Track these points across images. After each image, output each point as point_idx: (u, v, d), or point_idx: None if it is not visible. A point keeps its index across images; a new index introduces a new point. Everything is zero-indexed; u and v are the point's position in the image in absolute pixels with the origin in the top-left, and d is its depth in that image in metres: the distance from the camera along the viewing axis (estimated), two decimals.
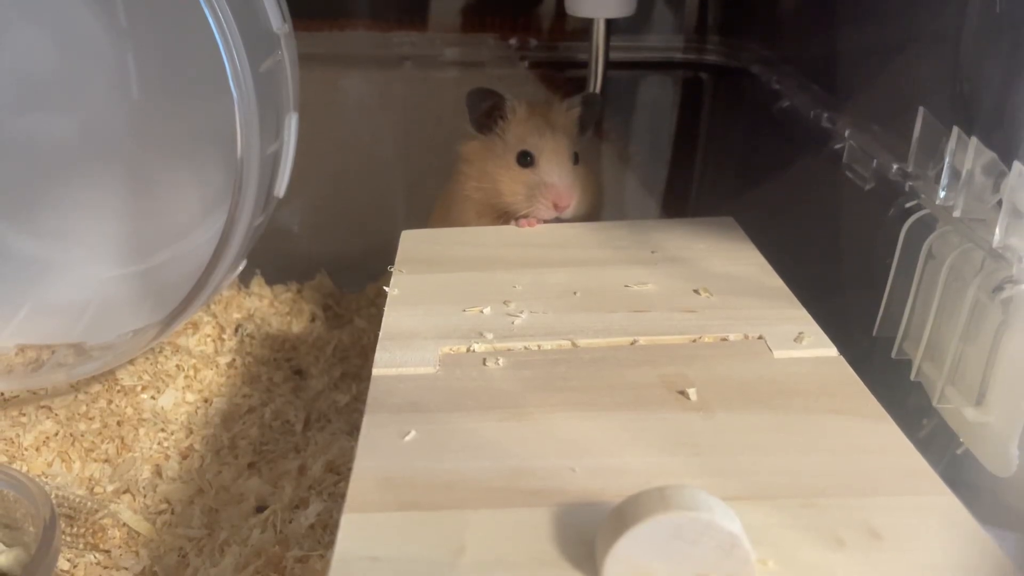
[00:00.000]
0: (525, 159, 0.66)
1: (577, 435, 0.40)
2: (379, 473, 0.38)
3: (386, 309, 0.52)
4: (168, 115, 0.73)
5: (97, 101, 0.73)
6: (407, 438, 0.40)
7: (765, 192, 0.77)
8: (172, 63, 0.72)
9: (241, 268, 0.67)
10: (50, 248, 0.75)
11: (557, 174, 0.65)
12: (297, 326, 0.85)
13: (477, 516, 0.35)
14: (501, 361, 0.46)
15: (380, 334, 0.49)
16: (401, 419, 0.42)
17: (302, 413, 0.71)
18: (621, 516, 0.32)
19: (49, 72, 0.72)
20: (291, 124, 0.63)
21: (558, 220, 0.66)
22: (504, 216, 0.67)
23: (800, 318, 0.50)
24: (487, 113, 0.68)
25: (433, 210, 0.76)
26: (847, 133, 0.61)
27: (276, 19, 0.61)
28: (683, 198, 0.92)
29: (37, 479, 0.61)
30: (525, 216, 0.66)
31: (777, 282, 0.55)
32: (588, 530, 0.34)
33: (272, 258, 0.87)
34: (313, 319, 0.86)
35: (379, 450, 0.39)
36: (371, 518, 0.35)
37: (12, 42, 0.71)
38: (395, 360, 0.47)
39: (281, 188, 0.65)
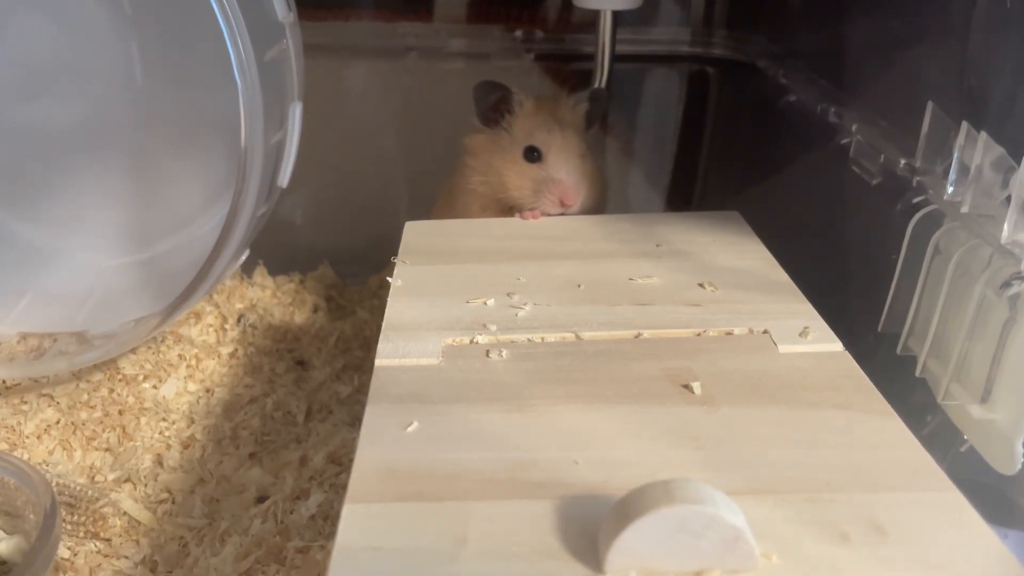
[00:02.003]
0: (532, 154, 0.66)
1: (580, 428, 0.40)
2: (381, 463, 0.38)
3: (389, 300, 0.52)
4: (172, 104, 0.73)
5: (101, 89, 0.73)
6: (409, 429, 0.40)
7: (771, 187, 0.77)
8: (177, 51, 0.72)
9: (244, 258, 0.67)
10: (53, 236, 0.75)
11: (565, 171, 0.65)
12: (299, 317, 0.85)
13: (479, 507, 0.35)
14: (504, 353, 0.46)
15: (383, 324, 0.49)
16: (403, 410, 0.41)
17: (304, 404, 0.71)
18: (625, 509, 0.32)
19: (53, 60, 0.72)
20: (295, 114, 0.63)
21: (563, 214, 0.66)
22: (508, 210, 0.67)
23: (805, 313, 0.50)
24: (494, 106, 0.67)
25: (435, 202, 0.76)
26: (854, 128, 0.60)
27: (281, 8, 0.60)
28: (688, 192, 0.92)
29: (38, 467, 0.61)
30: (531, 209, 0.66)
31: (782, 277, 0.55)
32: (591, 522, 0.34)
33: (275, 248, 0.87)
34: (315, 310, 0.86)
35: (381, 440, 0.39)
36: (373, 508, 0.35)
37: (16, 30, 0.71)
38: (398, 351, 0.46)
39: (284, 178, 0.65)
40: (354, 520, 0.34)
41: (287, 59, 0.61)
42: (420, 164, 0.91)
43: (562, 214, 0.65)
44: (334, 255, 0.92)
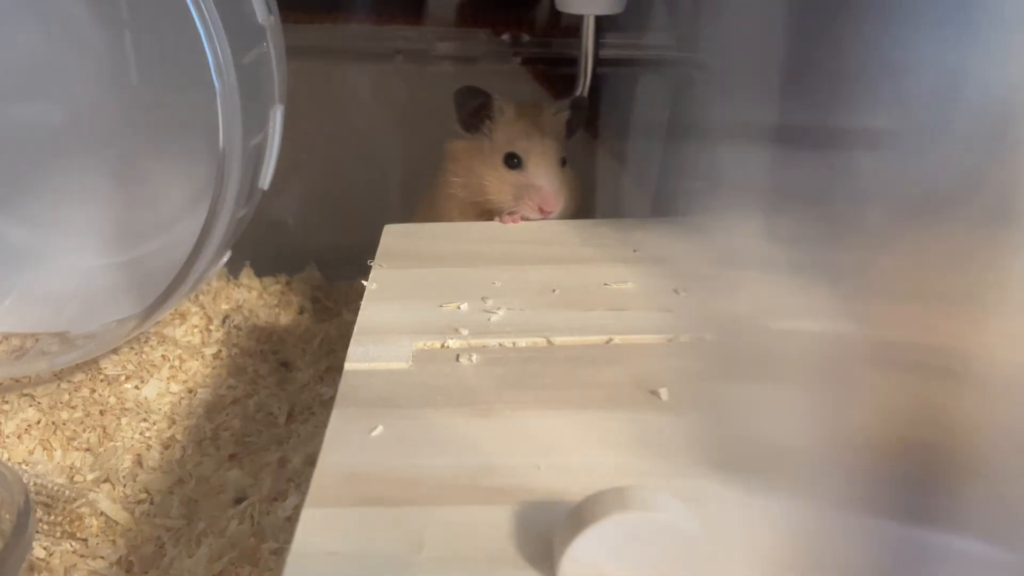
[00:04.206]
0: (512, 161, 0.66)
1: (545, 433, 0.40)
2: (343, 468, 0.38)
3: (363, 303, 0.52)
4: (156, 106, 0.73)
5: (86, 91, 0.73)
6: (374, 433, 0.40)
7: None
8: (160, 55, 0.72)
9: (225, 260, 0.67)
10: (36, 236, 0.75)
11: (544, 178, 0.65)
12: (285, 318, 0.85)
13: (438, 513, 0.35)
14: (475, 358, 0.46)
15: (355, 328, 0.49)
16: (370, 414, 0.41)
17: (285, 406, 0.71)
18: (579, 515, 0.32)
19: (37, 61, 0.72)
20: (276, 116, 0.63)
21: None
22: (487, 215, 0.67)
23: None
24: (474, 112, 0.68)
25: (417, 207, 0.76)
26: None
27: (261, 11, 0.61)
28: (675, 197, 0.92)
29: (15, 466, 0.61)
30: (511, 213, 0.66)
31: None
32: (548, 529, 0.34)
33: (262, 250, 0.87)
34: (301, 311, 0.86)
35: (345, 445, 0.39)
36: (331, 513, 0.35)
37: (4, 30, 0.71)
38: (368, 355, 0.46)
39: (266, 180, 0.65)
40: (312, 525, 0.34)
41: (267, 62, 0.61)
42: (408, 166, 0.91)
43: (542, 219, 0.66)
44: (321, 257, 0.92)
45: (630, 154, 0.92)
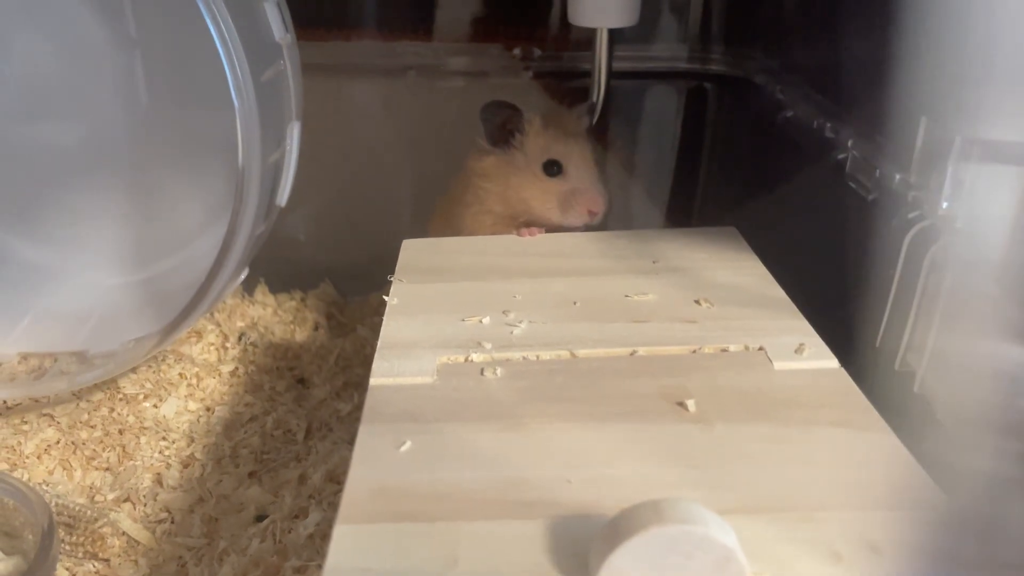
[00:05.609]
0: (552, 168, 0.66)
1: (574, 446, 0.40)
2: (373, 484, 0.38)
3: (385, 318, 0.52)
4: (173, 124, 0.73)
5: (103, 110, 0.74)
6: (403, 448, 0.40)
7: (769, 202, 0.77)
8: (177, 72, 0.72)
9: (243, 277, 0.67)
10: (54, 255, 0.75)
11: (588, 180, 0.65)
12: (300, 335, 0.85)
13: (471, 528, 0.35)
14: (499, 371, 0.46)
15: (378, 343, 0.49)
16: (397, 429, 0.41)
17: (303, 422, 0.71)
18: (615, 529, 0.31)
19: (55, 80, 0.72)
20: (293, 133, 0.63)
21: (588, 226, 0.66)
22: (524, 227, 0.67)
23: (801, 329, 0.50)
24: (502, 126, 0.67)
25: (432, 222, 0.76)
26: (850, 143, 0.60)
27: (278, 29, 0.61)
28: (688, 208, 0.92)
29: (37, 487, 0.61)
30: (528, 226, 0.66)
31: (779, 293, 0.55)
32: (582, 542, 0.33)
33: (277, 266, 0.87)
34: (316, 328, 0.86)
35: (374, 460, 0.39)
36: (364, 529, 0.35)
37: (19, 50, 0.72)
38: (393, 369, 0.46)
39: (283, 197, 0.65)
40: (345, 542, 0.34)
41: (284, 79, 0.62)
42: (421, 181, 0.91)
43: (587, 227, 0.66)
44: (335, 272, 0.92)
45: (641, 165, 0.93)
